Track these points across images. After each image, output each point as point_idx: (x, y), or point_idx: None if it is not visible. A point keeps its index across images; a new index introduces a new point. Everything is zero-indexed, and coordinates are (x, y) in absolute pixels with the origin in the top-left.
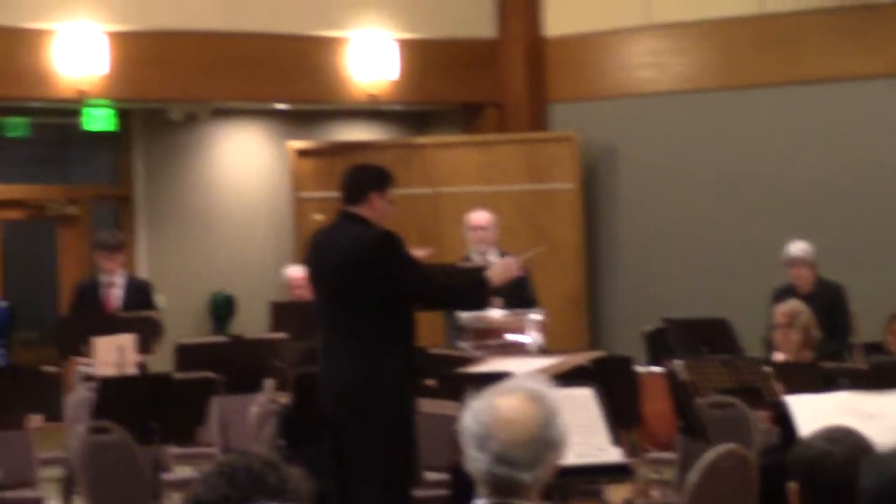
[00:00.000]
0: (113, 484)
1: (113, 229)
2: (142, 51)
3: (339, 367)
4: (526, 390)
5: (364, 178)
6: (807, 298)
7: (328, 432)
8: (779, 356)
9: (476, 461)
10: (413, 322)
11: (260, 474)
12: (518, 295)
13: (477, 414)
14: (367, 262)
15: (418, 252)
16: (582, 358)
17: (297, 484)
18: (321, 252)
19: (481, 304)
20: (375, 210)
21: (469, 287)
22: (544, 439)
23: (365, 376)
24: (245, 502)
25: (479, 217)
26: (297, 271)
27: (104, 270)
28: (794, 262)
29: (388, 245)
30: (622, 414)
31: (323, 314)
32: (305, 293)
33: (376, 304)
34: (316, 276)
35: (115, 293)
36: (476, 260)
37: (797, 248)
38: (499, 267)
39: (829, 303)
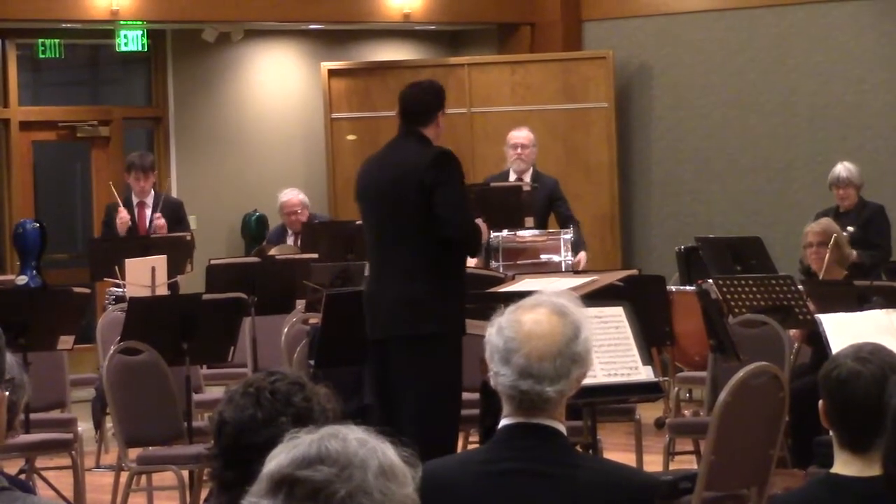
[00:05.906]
0: (144, 405)
1: (144, 150)
2: None
3: (391, 288)
4: (550, 305)
5: (430, 98)
6: (845, 215)
7: (373, 352)
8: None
9: (501, 376)
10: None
11: (285, 394)
12: (553, 213)
13: (502, 329)
14: (422, 178)
15: None
16: (614, 276)
17: (324, 404)
18: (379, 171)
19: (475, 255)
20: (439, 129)
21: (476, 239)
22: (569, 353)
23: (416, 297)
24: (270, 422)
25: (521, 135)
26: (290, 195)
27: (136, 191)
28: (841, 182)
29: (445, 163)
30: (654, 333)
31: (373, 233)
32: (301, 219)
33: (428, 221)
34: (368, 195)
35: (148, 214)
36: (512, 180)
37: (844, 168)
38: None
39: (865, 221)
